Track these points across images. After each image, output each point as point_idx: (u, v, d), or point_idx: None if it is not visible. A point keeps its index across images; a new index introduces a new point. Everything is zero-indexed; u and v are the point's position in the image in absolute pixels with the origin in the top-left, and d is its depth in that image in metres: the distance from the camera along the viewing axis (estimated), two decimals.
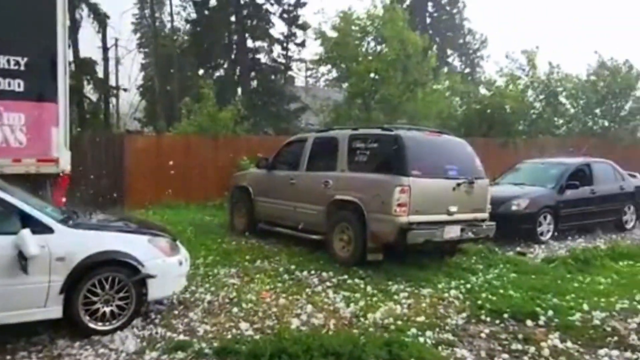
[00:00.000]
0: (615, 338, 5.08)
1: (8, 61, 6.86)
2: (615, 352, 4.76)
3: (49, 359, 4.47)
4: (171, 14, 30.82)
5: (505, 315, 5.61)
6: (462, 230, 7.62)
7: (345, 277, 7.05)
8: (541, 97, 22.36)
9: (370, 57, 18.16)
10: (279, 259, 8.06)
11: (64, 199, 7.35)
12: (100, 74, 25.72)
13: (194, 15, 28.59)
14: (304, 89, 29.99)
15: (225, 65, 28.41)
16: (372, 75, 18.00)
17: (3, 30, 6.87)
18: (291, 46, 28.83)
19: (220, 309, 5.77)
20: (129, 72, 51.92)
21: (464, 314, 5.72)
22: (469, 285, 6.84)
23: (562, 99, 22.86)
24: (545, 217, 10.21)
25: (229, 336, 4.94)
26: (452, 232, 7.52)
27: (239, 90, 27.56)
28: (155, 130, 25.47)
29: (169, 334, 5.00)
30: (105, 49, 26.96)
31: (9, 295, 4.51)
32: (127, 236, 5.35)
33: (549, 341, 4.94)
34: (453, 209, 7.59)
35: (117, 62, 30.67)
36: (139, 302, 5.09)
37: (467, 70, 37.77)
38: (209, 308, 5.78)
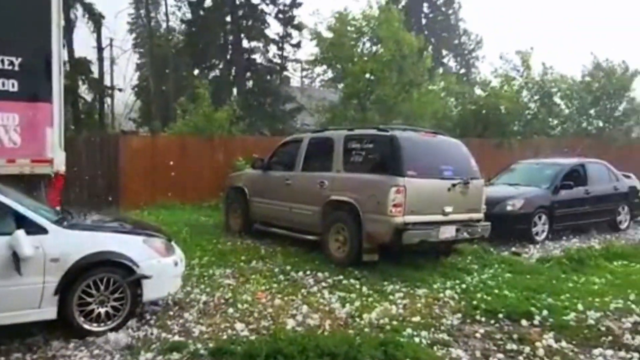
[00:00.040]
0: (610, 338, 5.11)
1: (2, 61, 6.81)
2: (609, 352, 4.77)
3: None
4: (166, 14, 30.77)
5: (500, 315, 5.62)
6: (457, 230, 7.64)
7: (341, 277, 7.05)
8: (536, 97, 22.45)
9: (365, 58, 18.18)
10: (275, 260, 8.06)
11: (58, 200, 7.32)
12: (95, 74, 25.63)
13: (189, 16, 28.52)
14: (299, 90, 29.96)
15: (221, 66, 28.34)
16: (367, 75, 18.03)
17: None
18: (287, 47, 28.83)
19: (215, 309, 5.76)
20: (124, 72, 51.51)
21: (459, 314, 5.73)
22: (464, 286, 6.85)
23: (557, 100, 22.96)
24: (540, 218, 10.25)
25: (225, 337, 4.94)
26: (448, 233, 7.53)
27: (235, 90, 27.53)
28: (151, 130, 25.40)
29: (164, 334, 4.99)
30: (100, 49, 26.87)
31: (3, 297, 4.49)
32: (122, 237, 5.33)
33: (544, 341, 4.96)
34: (448, 209, 7.60)
35: (112, 62, 30.60)
36: (134, 303, 5.08)
37: (463, 70, 37.82)
38: (204, 309, 5.77)
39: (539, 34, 60.89)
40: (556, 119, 23.39)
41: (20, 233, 4.44)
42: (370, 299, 6.17)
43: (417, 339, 4.92)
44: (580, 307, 5.94)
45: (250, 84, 28.12)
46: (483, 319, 5.59)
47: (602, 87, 22.31)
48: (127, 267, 4.99)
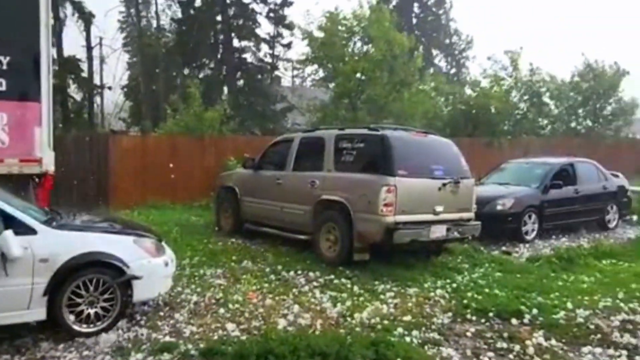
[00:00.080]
0: (599, 336, 5.15)
1: None
2: (598, 350, 4.82)
3: None
4: (156, 13, 30.64)
5: (491, 314, 5.65)
6: (448, 229, 7.66)
7: (332, 277, 7.05)
8: (525, 97, 22.61)
9: (356, 58, 18.19)
10: (266, 260, 8.05)
11: (47, 200, 7.26)
12: (85, 73, 25.49)
13: (179, 15, 28.42)
14: (290, 89, 29.95)
15: (211, 65, 28.30)
16: (358, 75, 18.04)
17: None
18: (278, 46, 28.83)
19: (206, 309, 5.74)
20: (114, 71, 51.53)
21: (450, 313, 5.75)
22: (454, 285, 6.88)
23: (546, 100, 23.14)
24: (529, 217, 10.30)
25: (215, 337, 4.93)
26: (438, 232, 7.55)
27: (225, 89, 27.47)
28: (141, 130, 25.28)
29: (154, 335, 4.97)
30: (89, 48, 26.74)
31: None
32: (112, 237, 5.30)
33: (534, 339, 4.99)
34: (439, 208, 7.62)
35: (102, 61, 30.45)
36: (124, 304, 5.05)
37: (453, 70, 38.03)
38: (195, 309, 5.75)
39: (529, 33, 61.46)
40: (545, 118, 23.58)
41: (9, 233, 4.40)
42: (361, 299, 6.18)
43: (408, 338, 4.93)
44: (569, 305, 5.98)
45: (240, 83, 28.07)
46: (474, 318, 5.61)
47: (592, 87, 22.52)
48: (117, 268, 4.96)
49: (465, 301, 6.08)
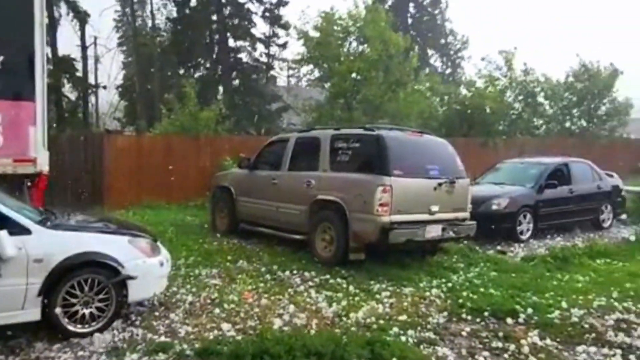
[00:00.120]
0: (593, 335, 5.17)
1: None
2: (592, 349, 4.83)
3: None
4: (152, 13, 30.58)
5: (486, 314, 5.67)
6: (443, 229, 7.67)
7: (328, 276, 7.05)
8: (520, 97, 22.69)
9: (352, 57, 18.20)
10: (261, 259, 8.04)
11: (41, 200, 7.24)
12: (79, 73, 25.40)
13: (175, 14, 28.36)
14: (285, 89, 29.97)
15: (207, 65, 28.25)
16: (354, 75, 18.05)
17: None
18: (273, 46, 28.81)
19: (201, 309, 5.73)
20: (109, 70, 51.36)
21: (445, 313, 5.76)
22: (450, 284, 6.89)
23: (541, 99, 23.22)
24: (524, 216, 10.32)
25: (211, 337, 4.91)
26: (434, 232, 7.56)
27: (221, 89, 27.44)
28: (136, 130, 25.22)
29: (149, 335, 4.95)
30: (84, 47, 26.67)
31: None
32: (107, 237, 5.28)
33: (529, 339, 5.01)
34: (434, 208, 7.63)
35: (97, 60, 30.36)
36: (119, 304, 5.03)
37: (449, 70, 38.10)
38: (190, 309, 5.74)
39: (525, 33, 61.59)
40: (540, 118, 23.66)
41: (3, 234, 4.37)
42: (356, 298, 6.18)
43: (403, 338, 4.93)
44: (564, 305, 6.00)
45: (236, 83, 28.04)
46: (469, 317, 5.63)
47: (587, 88, 22.62)
48: (112, 268, 4.94)
49: (460, 300, 6.09)
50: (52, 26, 22.01)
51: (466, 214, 8.20)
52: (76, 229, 5.27)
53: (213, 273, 7.27)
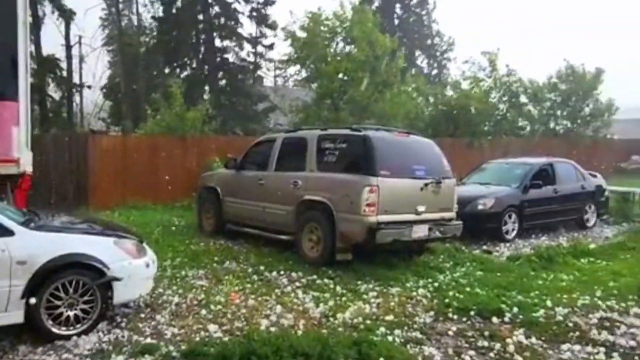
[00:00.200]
0: (577, 333, 5.23)
1: None
2: (577, 347, 4.89)
3: None
4: (137, 12, 30.36)
5: (472, 313, 5.70)
6: (429, 229, 7.72)
7: (315, 277, 7.06)
8: (504, 98, 22.88)
9: (339, 58, 18.22)
10: (248, 260, 8.02)
11: (25, 201, 7.15)
12: (64, 72, 25.13)
13: (161, 13, 28.16)
14: (272, 89, 29.90)
15: (193, 65, 28.08)
16: (341, 76, 18.07)
17: None
18: (260, 46, 28.73)
19: (188, 311, 5.70)
20: (94, 70, 50.85)
21: (432, 312, 5.79)
22: (436, 284, 6.93)
23: (524, 100, 23.44)
24: (510, 216, 10.41)
25: (197, 339, 4.89)
26: (420, 232, 7.60)
27: (207, 89, 27.30)
28: (122, 130, 25.01)
29: (135, 337, 4.92)
30: (68, 47, 26.38)
31: None
32: (92, 238, 5.24)
33: (514, 337, 5.05)
34: (421, 208, 7.67)
35: (81, 60, 30.05)
36: (105, 306, 4.99)
37: (435, 71, 38.28)
38: (176, 310, 5.70)
39: (511, 34, 62.28)
40: (525, 120, 23.89)
41: None
42: (344, 299, 6.19)
43: (390, 338, 4.95)
44: (549, 303, 6.06)
45: (222, 83, 27.91)
46: (455, 317, 5.66)
47: (571, 89, 22.89)
48: (97, 269, 4.90)
49: (446, 300, 6.12)
50: (36, 25, 21.75)
51: (452, 214, 8.25)
52: (60, 230, 5.22)
53: (199, 274, 7.23)
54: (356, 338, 4.75)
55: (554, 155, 13.88)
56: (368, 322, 5.37)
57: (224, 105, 25.51)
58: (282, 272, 7.31)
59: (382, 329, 5.13)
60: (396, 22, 37.20)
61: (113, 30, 33.77)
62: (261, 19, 27.77)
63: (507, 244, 10.03)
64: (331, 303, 5.99)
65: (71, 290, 4.80)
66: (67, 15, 24.47)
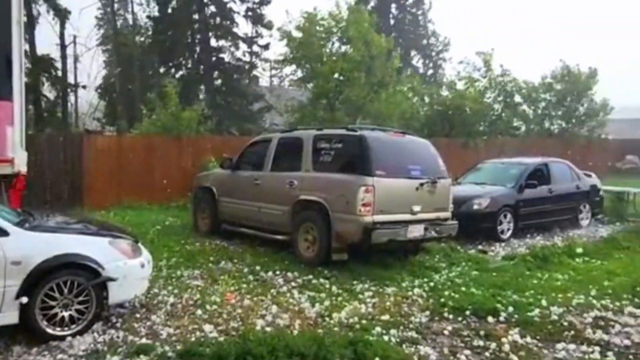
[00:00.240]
0: (572, 332, 5.25)
1: None
2: (572, 346, 4.90)
3: None
4: (132, 11, 30.27)
5: (467, 312, 5.72)
6: (425, 229, 7.72)
7: (310, 277, 7.05)
8: (499, 99, 22.94)
9: (334, 58, 18.22)
10: (244, 260, 8.01)
11: (19, 201, 7.13)
12: (59, 72, 25.03)
13: (157, 13, 28.09)
14: (268, 89, 29.88)
15: (189, 64, 28.04)
16: (336, 76, 18.07)
17: None
18: (255, 46, 28.70)
19: (183, 311, 5.69)
20: (89, 70, 50.72)
21: (428, 312, 5.80)
22: (432, 284, 6.94)
23: (519, 100, 23.50)
24: (505, 216, 10.44)
25: (193, 339, 4.88)
26: (416, 231, 7.61)
27: (202, 89, 27.26)
28: (117, 130, 24.94)
29: (130, 337, 4.90)
30: (63, 46, 26.27)
31: None
32: (87, 238, 5.22)
33: (510, 337, 5.06)
34: (416, 208, 7.68)
35: (76, 59, 29.94)
36: (100, 306, 4.98)
37: (430, 72, 38.32)
38: (172, 310, 5.69)
39: (506, 34, 62.50)
40: (520, 120, 23.95)
41: None
42: (339, 298, 6.19)
43: (386, 337, 4.96)
44: (544, 303, 6.08)
45: (218, 83, 27.87)
46: (451, 316, 5.67)
47: (566, 89, 22.96)
48: (92, 270, 4.88)
49: (442, 300, 6.14)
50: (31, 24, 21.69)
51: (448, 214, 8.27)
52: (55, 231, 5.21)
53: (195, 274, 7.22)
54: (352, 338, 4.75)
55: (549, 155, 13.92)
56: (364, 321, 5.37)
57: (219, 105, 25.49)
58: (277, 272, 7.30)
59: (378, 329, 5.14)
60: (392, 22, 37.21)
61: (108, 29, 33.65)
62: (257, 19, 27.75)
63: (503, 244, 10.04)
64: (327, 303, 5.99)
65: (66, 291, 4.78)
66: (62, 15, 24.38)
